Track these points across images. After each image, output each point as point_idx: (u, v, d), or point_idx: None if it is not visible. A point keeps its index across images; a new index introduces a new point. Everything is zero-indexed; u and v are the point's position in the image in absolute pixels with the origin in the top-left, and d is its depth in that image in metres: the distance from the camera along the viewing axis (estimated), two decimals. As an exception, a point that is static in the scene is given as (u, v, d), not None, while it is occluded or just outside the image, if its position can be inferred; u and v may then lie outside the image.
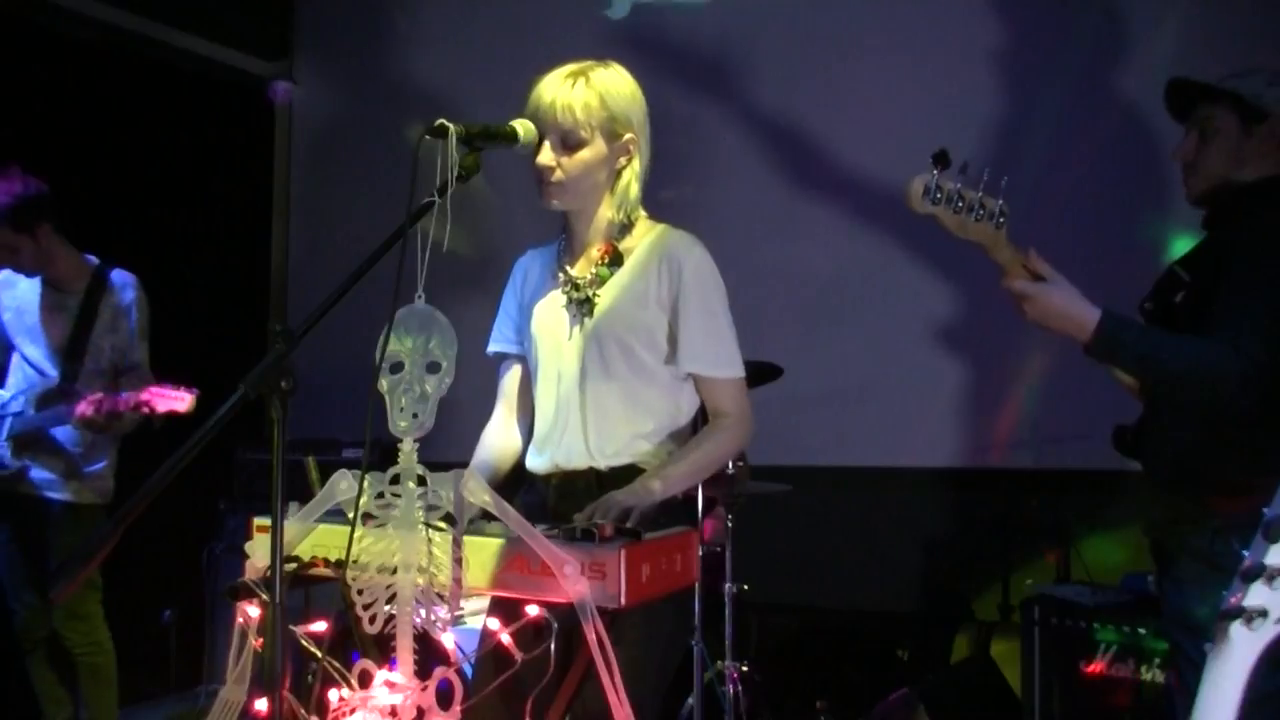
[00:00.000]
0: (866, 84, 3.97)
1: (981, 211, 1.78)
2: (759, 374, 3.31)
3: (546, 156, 1.88)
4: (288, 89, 5.14)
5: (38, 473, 3.23)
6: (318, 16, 5.20)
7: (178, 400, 2.99)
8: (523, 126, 1.79)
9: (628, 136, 1.92)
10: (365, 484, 1.53)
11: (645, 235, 1.97)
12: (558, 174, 1.89)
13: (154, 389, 3.02)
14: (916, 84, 3.88)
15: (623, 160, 1.94)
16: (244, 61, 5.01)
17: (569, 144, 1.87)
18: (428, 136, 1.62)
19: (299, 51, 5.21)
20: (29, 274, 3.29)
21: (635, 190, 1.95)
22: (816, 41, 4.08)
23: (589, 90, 1.87)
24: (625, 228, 1.96)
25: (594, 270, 1.95)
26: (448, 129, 1.63)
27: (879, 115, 3.92)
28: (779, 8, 4.17)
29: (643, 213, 1.99)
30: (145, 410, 2.99)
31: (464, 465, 1.55)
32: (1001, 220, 1.80)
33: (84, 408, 3.04)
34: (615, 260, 1.95)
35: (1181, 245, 2.78)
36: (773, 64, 4.15)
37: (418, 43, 4.91)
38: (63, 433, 3.22)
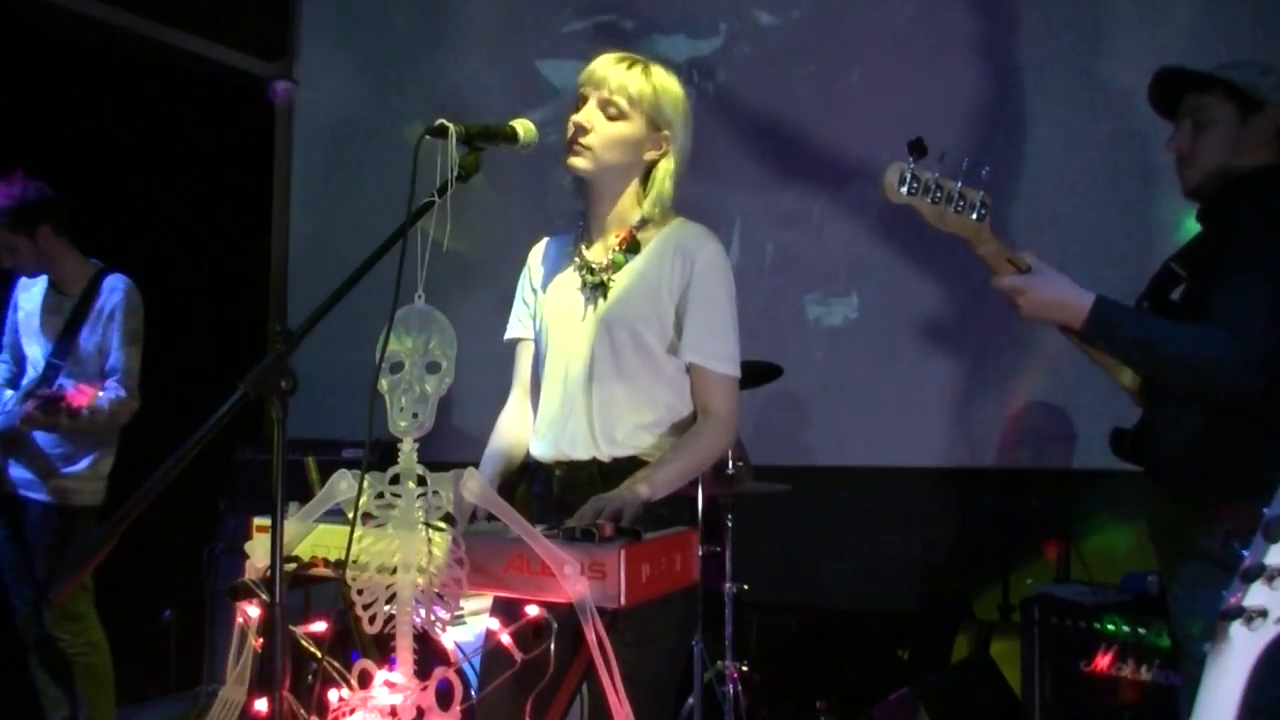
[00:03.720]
0: (866, 81, 3.98)
1: (962, 203, 1.73)
2: (759, 374, 3.31)
3: (584, 115, 1.91)
4: (288, 89, 5.13)
5: (17, 472, 3.24)
6: (318, 16, 5.19)
7: (81, 395, 3.06)
8: (522, 127, 1.77)
9: (666, 133, 1.94)
10: (365, 484, 1.53)
11: (663, 226, 1.98)
12: (590, 135, 1.90)
13: (78, 385, 3.11)
14: (916, 80, 3.88)
15: (655, 153, 1.95)
16: (244, 61, 5.01)
17: (609, 112, 1.90)
18: (428, 136, 1.62)
19: (299, 51, 5.21)
20: (30, 274, 3.34)
21: (668, 189, 1.96)
22: (816, 40, 4.09)
23: (645, 77, 1.92)
24: (648, 221, 1.97)
25: (610, 256, 1.96)
26: (448, 129, 1.63)
27: (877, 113, 3.92)
28: (775, 6, 4.16)
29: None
30: (64, 404, 3.05)
31: (464, 465, 1.54)
32: (983, 212, 1.74)
33: (29, 405, 3.10)
34: (632, 248, 1.96)
35: (1174, 239, 2.78)
36: (773, 63, 4.15)
37: (418, 43, 4.92)
38: (43, 433, 3.23)
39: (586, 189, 1.99)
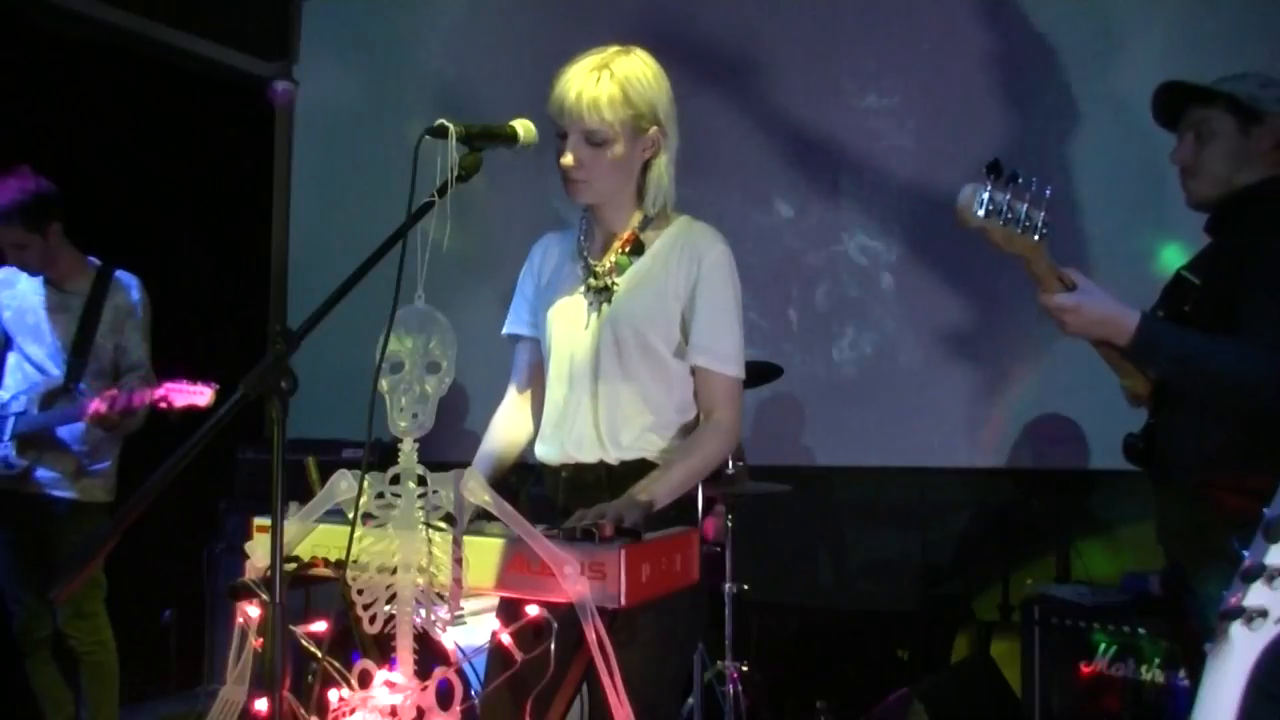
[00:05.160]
0: (866, 87, 3.98)
1: (1027, 224, 1.74)
2: (759, 374, 3.31)
3: (569, 158, 1.87)
4: (288, 89, 5.13)
5: (43, 472, 3.24)
6: (318, 16, 5.20)
7: (197, 395, 2.97)
8: (522, 126, 1.77)
9: (653, 130, 1.90)
10: (365, 484, 1.53)
11: (668, 226, 1.96)
12: (582, 173, 1.88)
13: (170, 384, 3.02)
14: (916, 87, 3.88)
15: (648, 153, 1.92)
16: (244, 61, 5.01)
17: (593, 141, 1.86)
18: (428, 136, 1.61)
19: (299, 51, 5.21)
20: (34, 273, 3.31)
21: (667, 181, 1.94)
22: (816, 44, 4.09)
23: (612, 84, 1.84)
24: (651, 219, 1.95)
25: (614, 258, 1.95)
26: (448, 129, 1.63)
27: (878, 116, 3.93)
28: (782, 10, 4.17)
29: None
30: (163, 406, 2.99)
31: (464, 465, 1.54)
32: (1045, 232, 1.76)
33: (98, 405, 3.05)
34: (637, 249, 1.94)
35: (1174, 253, 2.79)
36: (775, 66, 4.15)
37: (418, 42, 4.91)
38: (67, 431, 3.23)
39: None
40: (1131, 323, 1.84)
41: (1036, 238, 1.76)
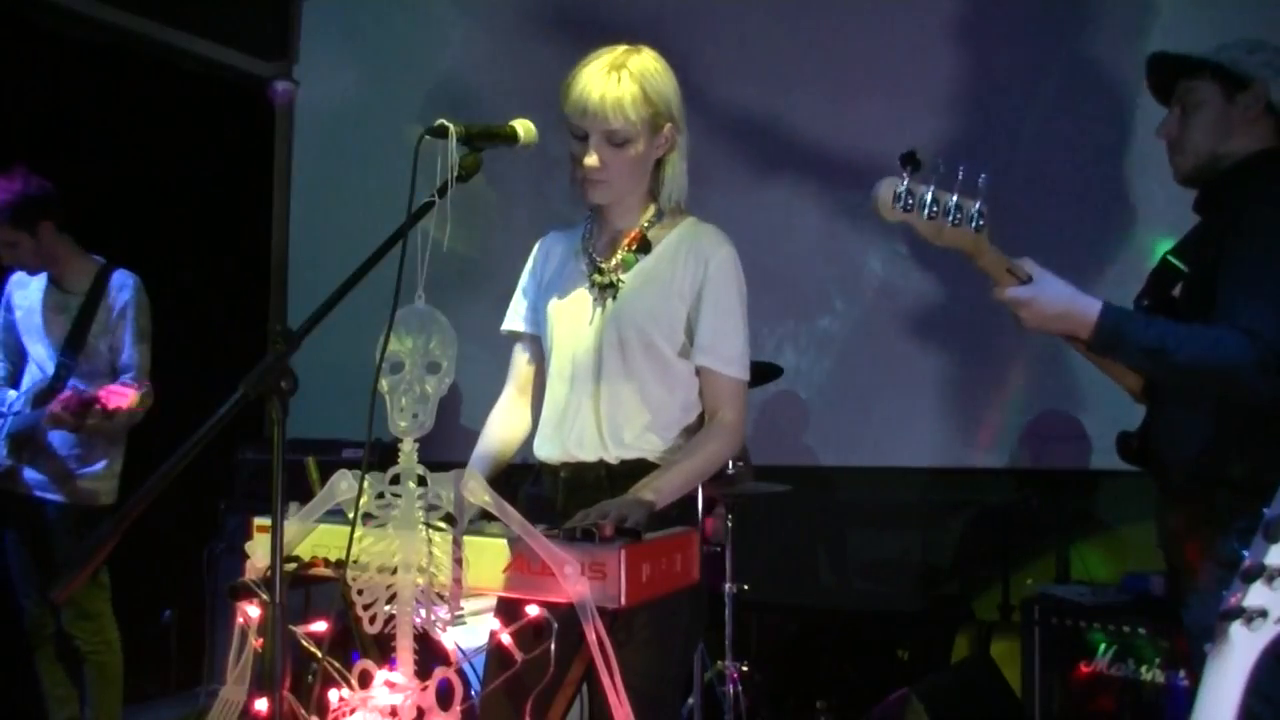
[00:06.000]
0: (863, 79, 3.97)
1: (959, 215, 1.65)
2: (759, 374, 3.29)
3: (594, 158, 1.85)
4: (288, 89, 5.13)
5: (31, 473, 3.23)
6: (318, 16, 5.20)
7: (120, 396, 3.03)
8: (523, 127, 1.76)
9: (668, 128, 1.89)
10: (365, 484, 1.53)
11: (675, 225, 1.96)
12: (604, 173, 1.87)
13: (109, 387, 3.07)
14: (910, 80, 3.88)
15: (661, 150, 1.92)
16: (244, 61, 5.01)
17: (614, 141, 1.85)
18: (428, 136, 1.61)
19: (299, 51, 5.21)
20: (31, 271, 3.31)
21: (683, 179, 1.94)
22: (814, 43, 4.08)
23: (632, 83, 1.83)
24: (661, 215, 1.95)
25: (620, 255, 1.94)
26: (448, 129, 1.62)
27: (874, 112, 3.92)
28: (761, 9, 4.16)
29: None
30: (99, 406, 3.02)
31: (464, 465, 1.54)
32: (981, 223, 1.66)
33: (54, 406, 3.07)
34: (643, 247, 1.94)
35: (1166, 243, 2.79)
36: (763, 66, 4.15)
37: (418, 42, 4.92)
38: (58, 434, 3.22)
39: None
40: (1092, 315, 1.74)
41: (973, 228, 1.66)
